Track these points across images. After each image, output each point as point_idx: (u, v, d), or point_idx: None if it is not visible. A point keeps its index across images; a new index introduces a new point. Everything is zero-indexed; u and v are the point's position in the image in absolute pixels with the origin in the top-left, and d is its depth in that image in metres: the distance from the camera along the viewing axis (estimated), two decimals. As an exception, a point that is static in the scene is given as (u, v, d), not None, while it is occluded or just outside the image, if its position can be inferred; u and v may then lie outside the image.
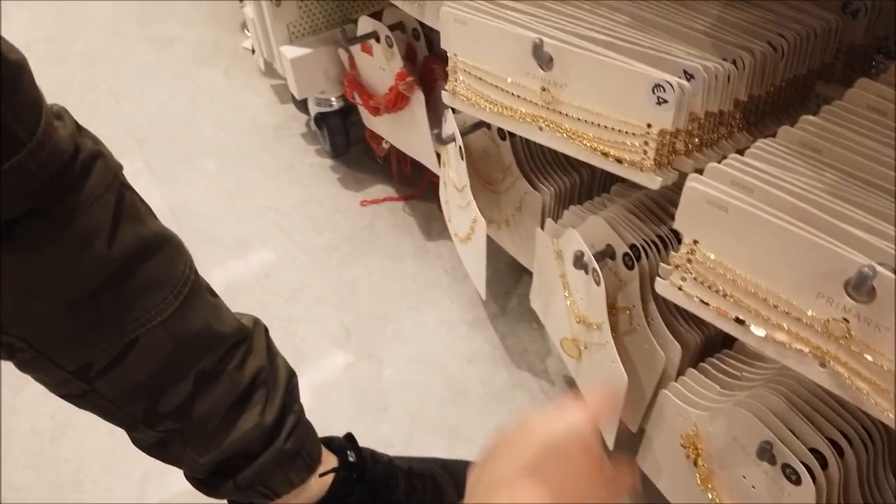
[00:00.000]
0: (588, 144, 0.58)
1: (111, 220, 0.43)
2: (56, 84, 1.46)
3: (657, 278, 0.52)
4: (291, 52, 1.06)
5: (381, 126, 1.09)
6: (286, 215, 1.17)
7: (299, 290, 1.05)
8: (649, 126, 0.53)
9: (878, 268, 0.39)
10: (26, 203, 0.38)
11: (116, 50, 1.56)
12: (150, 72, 1.49)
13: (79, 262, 0.42)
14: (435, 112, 0.97)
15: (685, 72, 0.52)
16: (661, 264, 0.52)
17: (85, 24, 1.64)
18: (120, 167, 0.46)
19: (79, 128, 0.44)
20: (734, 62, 0.53)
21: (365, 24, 0.96)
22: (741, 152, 0.50)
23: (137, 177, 1.24)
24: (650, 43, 0.55)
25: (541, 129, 0.61)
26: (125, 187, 0.47)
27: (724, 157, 0.48)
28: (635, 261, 0.64)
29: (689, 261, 0.49)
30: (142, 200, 0.49)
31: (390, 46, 0.94)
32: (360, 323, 1.00)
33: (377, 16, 0.99)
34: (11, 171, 0.35)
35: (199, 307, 0.52)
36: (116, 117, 1.38)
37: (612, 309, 0.68)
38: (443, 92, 0.70)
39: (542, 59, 0.57)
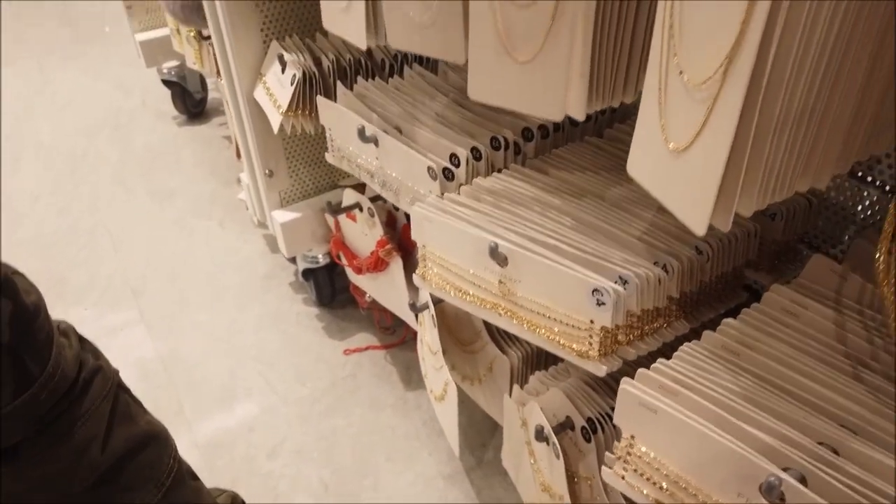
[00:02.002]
0: (543, 334, 0.64)
1: (105, 427, 0.48)
2: (60, 234, 1.55)
3: (603, 466, 0.56)
4: (282, 216, 1.15)
5: (364, 282, 1.16)
6: (272, 365, 1.22)
7: (280, 444, 1.08)
8: (592, 322, 0.60)
9: (784, 476, 0.44)
10: (33, 427, 0.43)
11: (119, 200, 1.66)
12: (149, 222, 1.58)
13: (73, 470, 0.46)
14: (413, 272, 1.04)
15: (620, 277, 0.59)
16: (607, 452, 0.56)
17: (92, 174, 1.75)
18: (116, 373, 0.52)
19: (81, 341, 0.50)
20: (664, 266, 0.61)
21: (350, 196, 1.05)
22: (674, 347, 0.56)
23: (131, 327, 1.31)
24: (591, 247, 0.63)
25: (500, 315, 0.68)
26: (121, 389, 0.52)
27: (661, 349, 0.54)
28: (592, 434, 0.69)
29: (629, 453, 0.54)
30: (133, 399, 0.54)
31: (372, 216, 1.03)
32: (338, 477, 1.03)
33: (361, 187, 1.08)
34: (23, 404, 0.41)
35: (181, 494, 0.56)
36: (115, 267, 1.45)
37: (574, 477, 0.72)
38: (414, 276, 0.77)
39: (498, 258, 0.65)
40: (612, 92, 0.56)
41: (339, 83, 0.89)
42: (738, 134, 0.40)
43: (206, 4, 1.00)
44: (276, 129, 0.97)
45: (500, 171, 0.78)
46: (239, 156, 1.27)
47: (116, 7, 1.78)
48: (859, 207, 0.66)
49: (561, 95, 0.54)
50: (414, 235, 0.74)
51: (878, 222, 0.65)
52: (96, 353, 0.50)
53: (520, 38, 0.53)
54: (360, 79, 0.92)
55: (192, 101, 1.88)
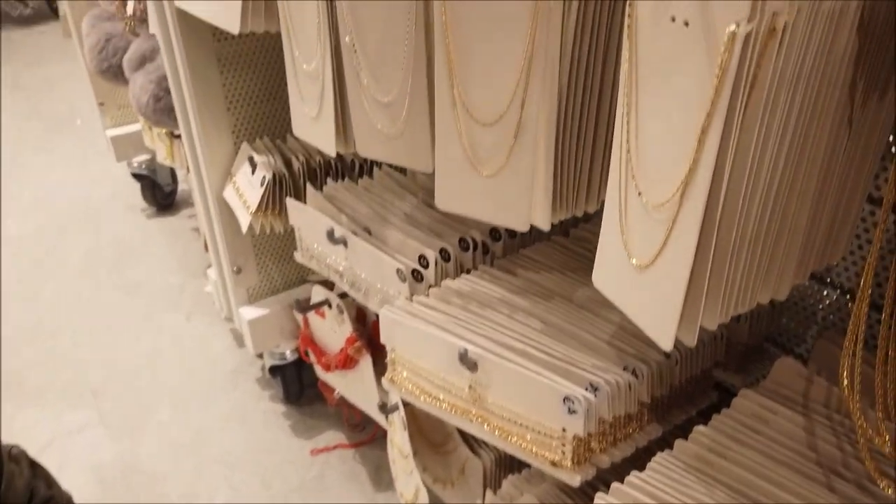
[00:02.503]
0: (516, 442, 0.63)
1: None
2: (22, 330, 1.50)
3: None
4: (249, 312, 1.14)
5: (333, 379, 1.14)
6: (236, 467, 1.17)
7: (244, 555, 1.02)
8: (564, 430, 0.59)
9: None
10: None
11: (85, 294, 1.62)
12: (114, 317, 1.55)
13: None
14: (384, 371, 1.03)
15: (591, 384, 0.59)
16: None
17: (59, 266, 1.72)
18: (69, 498, 0.49)
19: (34, 467, 0.47)
20: (634, 371, 0.61)
21: (318, 293, 1.05)
22: (648, 450, 0.55)
23: (90, 429, 1.25)
24: (561, 352, 0.63)
25: (472, 421, 0.67)
26: None
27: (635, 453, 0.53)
28: (568, 545, 0.67)
29: (606, 571, 0.52)
30: None
31: (341, 313, 1.02)
32: (306, 590, 0.97)
33: (331, 282, 1.08)
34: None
35: None
36: (76, 365, 1.41)
37: (551, 591, 0.69)
38: (383, 380, 0.76)
39: (468, 363, 0.64)
40: (576, 203, 0.58)
41: (308, 185, 0.90)
42: (698, 253, 0.41)
43: (177, 107, 1.01)
44: (244, 229, 0.97)
45: (468, 271, 0.78)
46: (207, 249, 1.26)
47: (88, 101, 1.80)
48: (820, 307, 0.67)
49: (526, 207, 0.56)
50: (383, 339, 0.73)
51: (838, 322, 0.66)
52: (49, 481, 0.48)
53: (485, 154, 0.55)
54: (329, 180, 0.93)
55: (161, 194, 1.88)
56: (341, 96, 0.70)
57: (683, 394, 0.67)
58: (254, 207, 0.94)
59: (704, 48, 0.36)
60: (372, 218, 0.85)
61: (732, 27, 0.34)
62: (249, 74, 0.99)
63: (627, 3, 0.40)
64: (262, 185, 0.94)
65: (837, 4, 0.37)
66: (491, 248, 0.81)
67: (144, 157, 1.78)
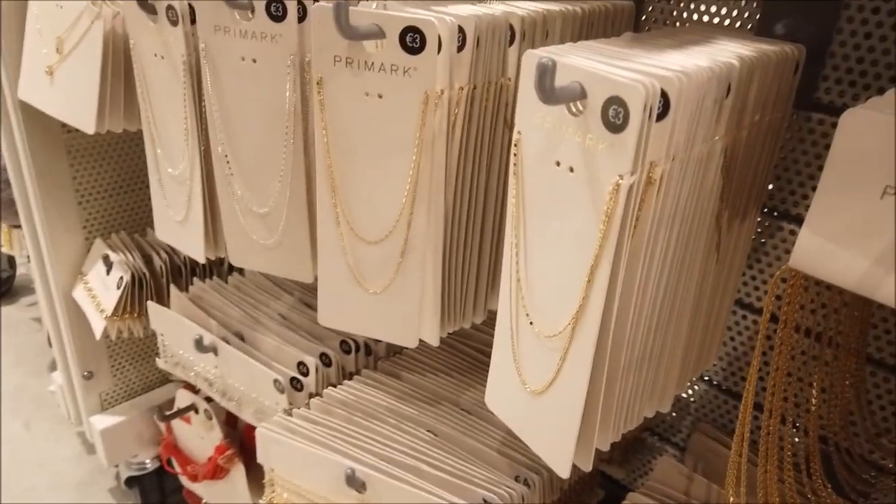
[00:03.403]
0: (407, 564, 0.60)
1: None
2: None
3: None
4: (102, 421, 1.03)
5: (201, 489, 1.04)
6: None
7: None
8: (461, 551, 0.57)
9: None
10: None
11: None
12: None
13: None
14: (258, 477, 0.96)
15: (485, 500, 0.57)
16: None
17: None
18: None
19: None
20: (526, 482, 0.60)
21: (183, 397, 0.97)
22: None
23: None
24: (452, 465, 0.61)
25: (361, 545, 0.63)
26: None
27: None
28: None
29: None
30: None
31: (210, 419, 0.94)
32: None
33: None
34: None
35: None
36: None
37: None
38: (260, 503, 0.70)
39: (356, 484, 0.61)
40: (464, 315, 0.57)
41: (172, 286, 0.84)
42: (591, 379, 0.41)
43: (19, 201, 0.92)
44: (98, 335, 0.88)
45: (351, 375, 0.75)
46: (51, 343, 1.14)
47: None
48: (692, 400, 0.70)
49: (414, 324, 0.54)
50: (260, 459, 0.68)
51: (709, 413, 0.70)
52: None
53: (370, 272, 0.53)
54: (195, 279, 0.87)
55: (-5, 281, 1.69)
56: (211, 202, 0.66)
57: (573, 494, 0.67)
58: (109, 311, 0.86)
59: (589, 194, 0.37)
60: (244, 321, 0.80)
61: (616, 179, 0.35)
62: (104, 166, 0.92)
63: (513, 143, 0.41)
64: (118, 287, 0.86)
65: (705, 149, 0.40)
66: (373, 348, 0.78)
67: (-25, 242, 1.60)
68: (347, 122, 0.49)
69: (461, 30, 0.46)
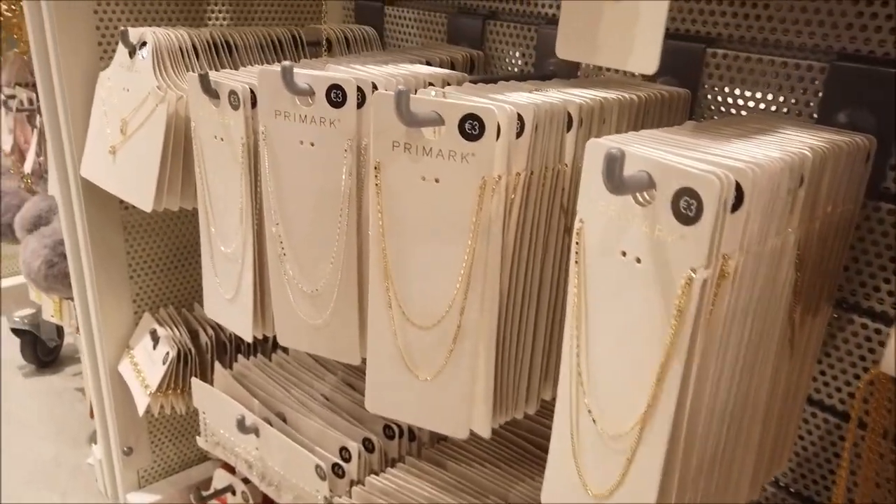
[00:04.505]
0: None
1: None
2: None
3: None
4: (139, 499, 1.01)
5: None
6: None
7: None
8: None
9: None
10: None
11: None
12: (-29, 498, 1.34)
13: None
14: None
15: None
16: None
17: None
18: None
19: None
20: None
21: (221, 478, 0.95)
22: None
23: None
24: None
25: None
26: None
27: None
28: None
29: None
30: None
31: (246, 502, 0.92)
32: None
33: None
34: None
35: None
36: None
37: None
38: None
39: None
40: (516, 406, 0.55)
41: (217, 364, 0.84)
42: (661, 486, 0.39)
43: (73, 274, 0.94)
44: (141, 411, 0.88)
45: (394, 462, 0.72)
46: (92, 415, 1.13)
47: None
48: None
49: (465, 414, 0.52)
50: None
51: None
52: None
53: (421, 357, 0.52)
54: (240, 357, 0.87)
55: (43, 350, 1.72)
56: (261, 281, 0.66)
57: None
58: (154, 388, 0.86)
59: (658, 286, 0.35)
60: (287, 401, 0.79)
61: (689, 272, 0.33)
62: (157, 242, 0.94)
63: (575, 231, 0.40)
64: (164, 362, 0.86)
65: (779, 242, 0.38)
66: (417, 434, 0.76)
67: (27, 311, 1.64)
68: (403, 206, 0.49)
69: (520, 117, 0.46)
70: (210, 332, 0.90)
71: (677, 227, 0.34)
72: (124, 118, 0.74)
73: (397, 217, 0.49)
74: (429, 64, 0.72)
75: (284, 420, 0.77)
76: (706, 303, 0.34)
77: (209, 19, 0.87)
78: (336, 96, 0.53)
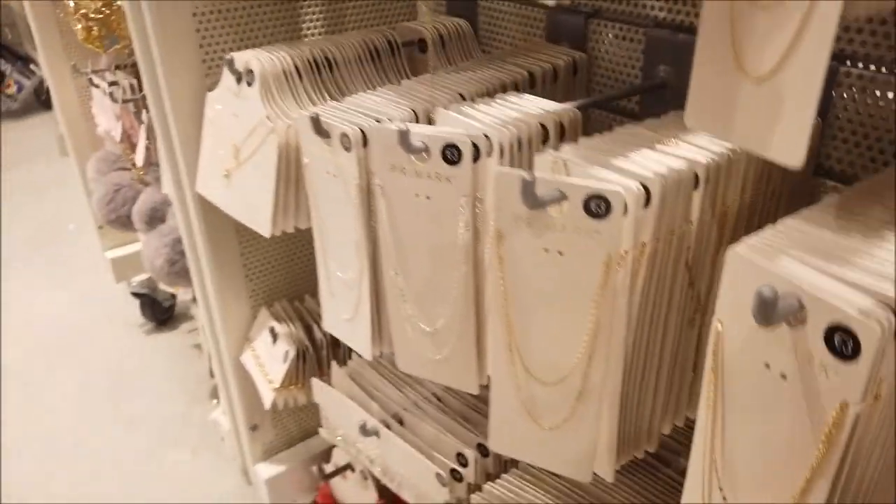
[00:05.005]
0: None
1: None
2: (10, 495, 1.44)
3: None
4: (267, 470, 1.10)
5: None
6: None
7: None
8: None
9: None
10: None
11: (81, 433, 1.56)
12: (111, 459, 1.49)
13: None
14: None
15: None
16: None
17: (51, 407, 1.65)
18: None
19: None
20: None
21: (342, 454, 1.02)
22: None
23: None
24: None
25: None
26: None
27: None
28: None
29: None
30: None
31: (365, 479, 0.99)
32: None
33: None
34: None
35: None
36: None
37: None
38: None
39: None
40: (637, 445, 0.56)
41: (332, 362, 0.89)
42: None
43: (193, 273, 1.00)
44: (267, 405, 0.95)
45: (506, 466, 0.76)
46: (213, 375, 1.22)
47: (78, 202, 1.77)
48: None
49: (588, 460, 0.54)
50: (426, 553, 0.71)
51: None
52: None
53: (544, 409, 0.54)
54: (354, 355, 0.91)
55: (160, 310, 1.85)
56: (378, 307, 0.69)
57: None
58: (278, 384, 0.92)
59: (805, 408, 0.35)
60: (403, 403, 0.83)
61: (842, 404, 0.33)
62: (270, 243, 0.98)
63: (714, 331, 0.39)
64: (285, 360, 0.92)
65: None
66: (528, 436, 0.79)
67: (144, 276, 1.76)
68: (526, 275, 0.50)
69: (646, 189, 0.45)
70: (323, 328, 0.95)
71: (831, 361, 0.33)
72: (235, 144, 0.77)
73: (519, 284, 0.50)
74: (531, 76, 0.70)
75: (401, 422, 0.81)
76: (857, 433, 0.34)
77: (306, 28, 0.87)
78: (451, 155, 0.53)
